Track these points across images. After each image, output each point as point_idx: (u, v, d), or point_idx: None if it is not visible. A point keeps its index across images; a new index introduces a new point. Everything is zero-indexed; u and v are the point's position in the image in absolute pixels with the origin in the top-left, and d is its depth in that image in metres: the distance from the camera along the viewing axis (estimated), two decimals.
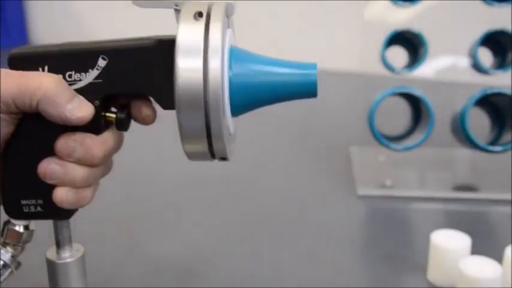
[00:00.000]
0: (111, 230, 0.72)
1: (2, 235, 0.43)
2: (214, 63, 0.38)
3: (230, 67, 0.40)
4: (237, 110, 0.41)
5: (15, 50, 0.42)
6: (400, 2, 0.85)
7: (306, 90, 0.41)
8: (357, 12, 0.95)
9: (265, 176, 0.90)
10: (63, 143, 0.40)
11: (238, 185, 0.86)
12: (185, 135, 0.39)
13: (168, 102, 0.40)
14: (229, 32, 0.41)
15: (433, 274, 0.63)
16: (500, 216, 0.78)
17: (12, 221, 0.43)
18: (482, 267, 0.57)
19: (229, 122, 0.41)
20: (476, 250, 0.61)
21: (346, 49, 1.31)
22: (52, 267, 0.44)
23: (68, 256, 0.44)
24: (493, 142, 0.82)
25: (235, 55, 0.41)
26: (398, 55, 0.90)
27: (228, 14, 0.41)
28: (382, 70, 0.87)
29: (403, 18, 0.89)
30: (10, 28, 1.69)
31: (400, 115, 0.89)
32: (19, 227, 0.42)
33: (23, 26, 1.74)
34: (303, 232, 0.74)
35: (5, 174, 0.42)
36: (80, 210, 0.43)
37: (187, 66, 0.38)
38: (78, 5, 1.67)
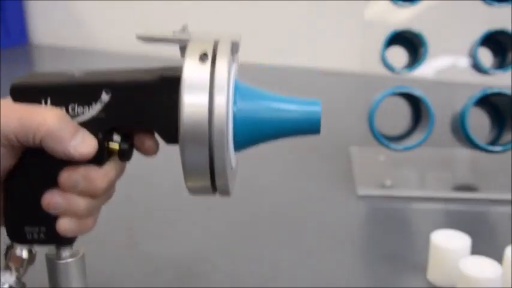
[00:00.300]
0: (111, 230, 0.72)
1: (5, 258, 0.43)
2: (220, 100, 0.38)
3: (235, 102, 0.40)
4: (240, 145, 0.42)
5: (18, 81, 0.41)
6: (400, 2, 0.84)
7: (309, 127, 0.41)
8: (357, 12, 0.95)
9: (265, 176, 0.90)
10: (67, 176, 0.40)
11: (238, 185, 0.86)
12: (188, 170, 0.40)
13: (171, 137, 0.40)
14: (234, 66, 0.41)
15: (433, 274, 0.63)
16: (500, 216, 0.78)
17: (16, 244, 0.43)
18: (482, 267, 0.57)
19: (232, 156, 0.41)
20: (476, 250, 0.61)
21: (346, 49, 1.31)
22: (52, 267, 0.44)
23: (68, 256, 0.44)
24: (493, 142, 0.82)
25: (240, 90, 0.41)
26: (398, 55, 0.90)
27: (233, 51, 0.41)
28: (382, 70, 0.87)
29: (403, 18, 0.89)
30: (10, 28, 1.69)
31: (400, 115, 0.89)
32: (22, 251, 0.43)
33: (23, 26, 1.74)
34: (302, 232, 0.74)
35: (7, 203, 0.42)
36: None
37: (192, 102, 0.38)
38: (78, 5, 1.67)
